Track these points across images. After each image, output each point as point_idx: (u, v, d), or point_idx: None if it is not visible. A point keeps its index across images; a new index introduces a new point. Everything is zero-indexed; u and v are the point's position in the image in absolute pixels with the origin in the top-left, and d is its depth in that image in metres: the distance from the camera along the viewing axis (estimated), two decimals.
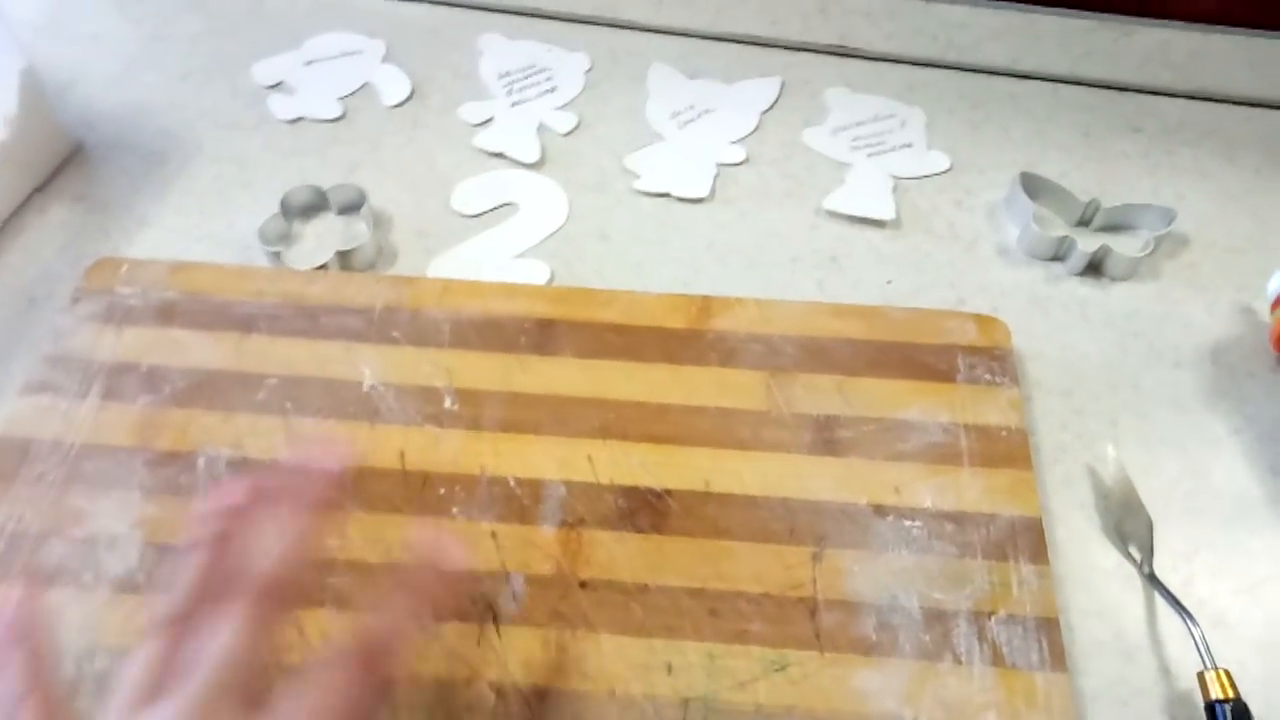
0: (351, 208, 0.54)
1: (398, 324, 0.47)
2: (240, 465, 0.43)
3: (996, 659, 0.37)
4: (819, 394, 0.44)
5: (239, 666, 0.25)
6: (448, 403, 0.44)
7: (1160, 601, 0.40)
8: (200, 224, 0.54)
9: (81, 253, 0.52)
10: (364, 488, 0.42)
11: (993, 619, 0.38)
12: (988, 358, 0.45)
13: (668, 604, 0.39)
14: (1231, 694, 0.36)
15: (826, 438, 0.43)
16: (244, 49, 0.63)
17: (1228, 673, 0.36)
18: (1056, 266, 0.51)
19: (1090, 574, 0.40)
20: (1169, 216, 0.51)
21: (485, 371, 0.45)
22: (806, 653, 0.37)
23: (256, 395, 0.45)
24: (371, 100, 0.60)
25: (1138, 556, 0.41)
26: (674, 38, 0.62)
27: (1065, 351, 0.47)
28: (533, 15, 0.64)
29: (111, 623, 0.38)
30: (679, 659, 0.37)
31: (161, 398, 0.45)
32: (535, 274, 0.51)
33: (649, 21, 0.62)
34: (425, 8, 0.65)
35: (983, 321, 0.47)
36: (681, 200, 0.54)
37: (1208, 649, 0.37)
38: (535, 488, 0.42)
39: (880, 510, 0.41)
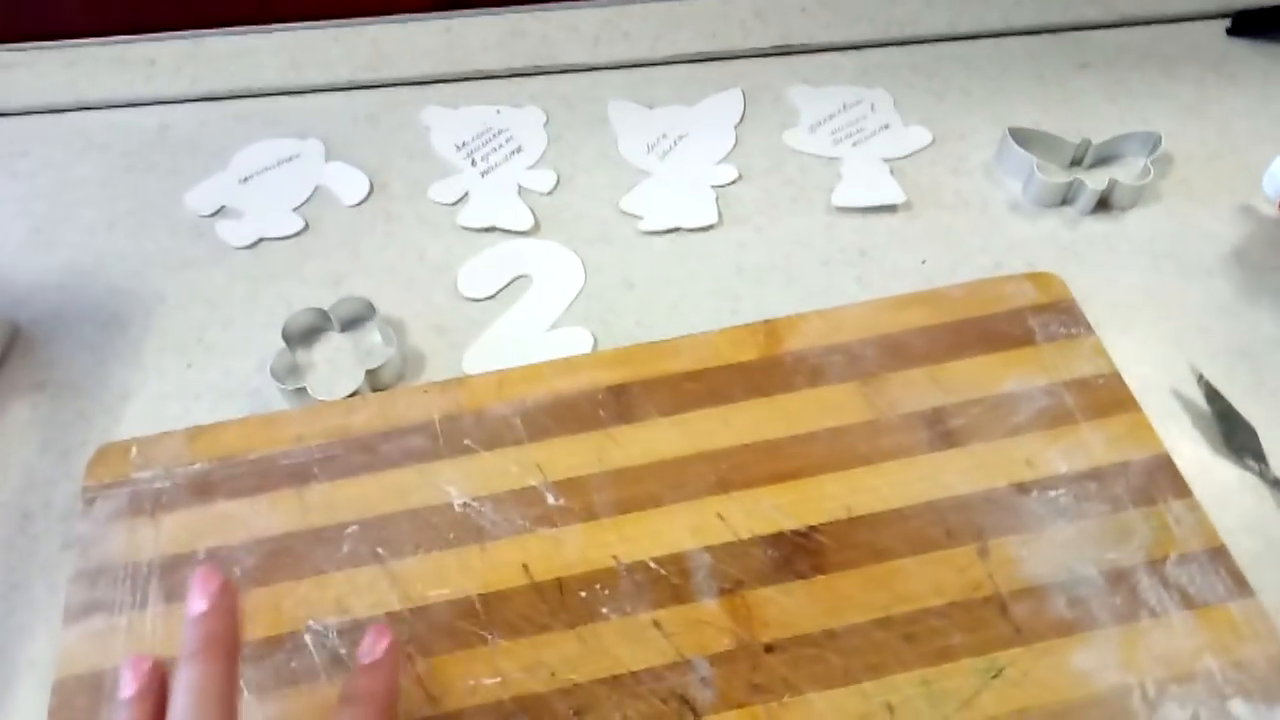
0: (355, 322, 0.50)
1: (465, 431, 0.43)
2: (352, 631, 0.38)
3: (1187, 601, 0.37)
4: (916, 389, 0.43)
5: None
6: (551, 499, 0.41)
7: None
8: (192, 379, 0.48)
9: (66, 446, 0.46)
10: (501, 614, 0.38)
11: (1168, 564, 0.38)
12: (1055, 312, 0.46)
13: (861, 642, 0.37)
14: None
15: (941, 431, 0.42)
16: (166, 181, 0.57)
17: None
18: (1067, 210, 0.52)
19: (1220, 495, 0.41)
20: (1154, 140, 0.53)
21: (577, 456, 0.42)
22: (1014, 650, 0.36)
23: (341, 549, 0.40)
24: (330, 203, 0.55)
25: (1256, 466, 0.42)
26: (620, 71, 0.60)
27: (1109, 288, 0.48)
28: (468, 79, 0.60)
29: None
30: (895, 695, 0.35)
31: (236, 581, 0.39)
32: (578, 342, 0.48)
33: (590, 61, 0.60)
34: (351, 95, 0.60)
35: (1038, 279, 0.47)
36: (693, 231, 0.52)
37: None
38: (679, 562, 0.39)
39: (1022, 488, 0.40)
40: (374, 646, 0.33)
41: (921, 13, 0.60)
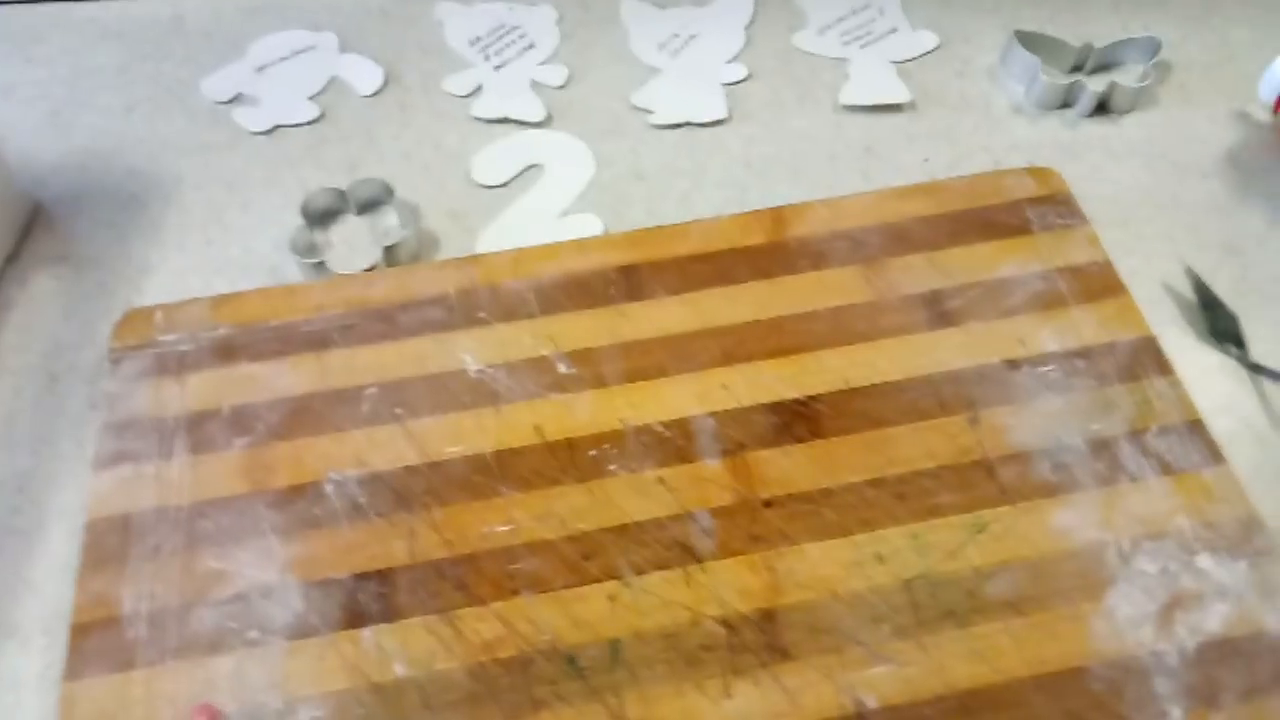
0: (371, 205, 0.50)
1: (480, 304, 0.44)
2: (371, 482, 0.39)
3: (1165, 468, 0.39)
4: (916, 273, 0.45)
5: None
6: (563, 368, 0.42)
7: (1268, 384, 0.42)
8: (212, 255, 0.49)
9: (89, 315, 0.47)
10: (514, 470, 0.39)
11: (1148, 434, 0.40)
12: (1052, 204, 0.47)
13: (855, 500, 0.38)
14: None
15: (939, 311, 0.43)
16: (182, 68, 0.57)
17: None
18: (1067, 113, 0.53)
19: (1201, 378, 0.42)
20: (1155, 46, 0.53)
21: (588, 330, 0.43)
22: (999, 509, 0.38)
23: (361, 409, 0.41)
24: (345, 94, 0.56)
25: (1236, 351, 0.43)
26: None
27: (1105, 187, 0.49)
28: None
29: (300, 672, 0.35)
30: (885, 547, 0.37)
31: (259, 436, 0.41)
32: (589, 227, 0.49)
33: None
34: None
35: (1036, 174, 0.48)
36: (702, 126, 0.53)
37: None
38: (683, 426, 0.40)
39: (1013, 364, 0.42)
40: None
41: None
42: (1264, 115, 0.51)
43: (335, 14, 0.59)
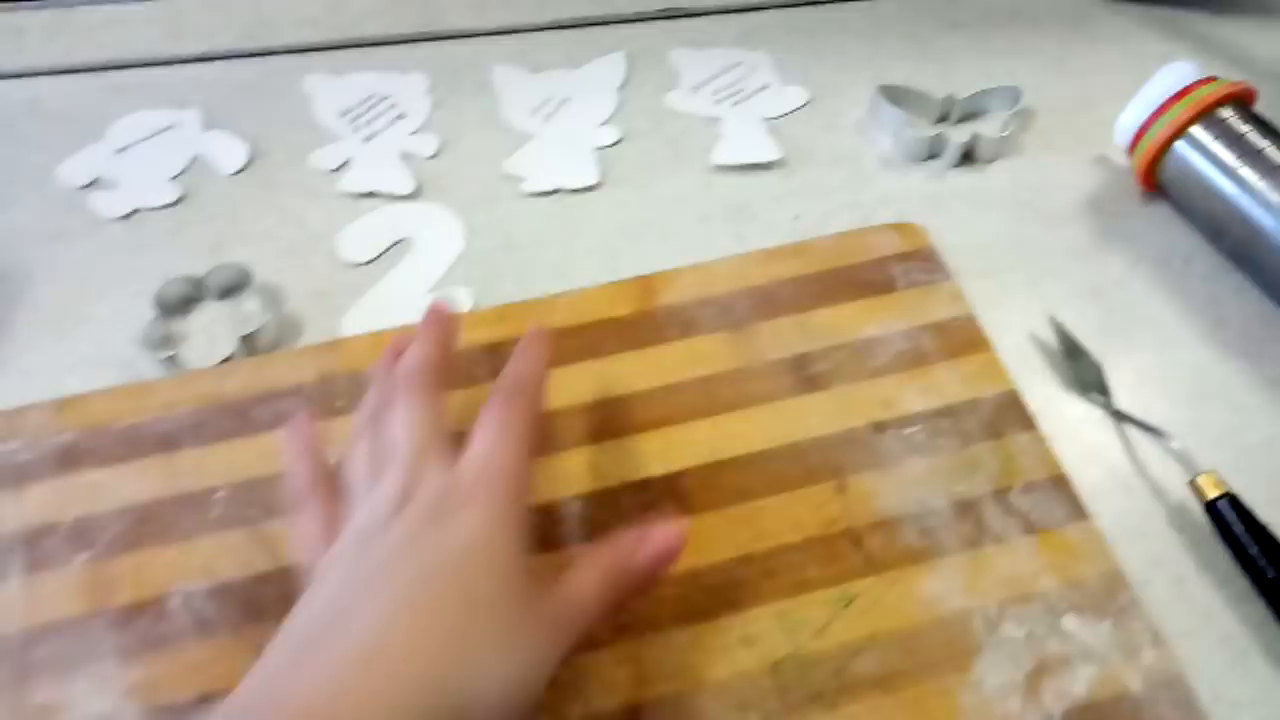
0: (232, 290, 0.49)
1: (338, 393, 0.43)
2: (221, 594, 0.37)
3: (1029, 527, 0.38)
4: (783, 337, 0.44)
5: (425, 434, 0.33)
6: None
7: (1133, 432, 0.42)
8: (64, 353, 0.46)
9: None
10: None
11: (1012, 493, 0.39)
12: (916, 260, 0.47)
13: (722, 580, 0.37)
14: (1224, 489, 0.39)
15: (806, 375, 0.43)
16: (38, 153, 0.55)
17: (1214, 472, 0.39)
18: (933, 164, 0.53)
19: (1066, 428, 0.43)
20: (1015, 94, 0.54)
21: (453, 413, 0.42)
22: (866, 580, 0.37)
23: (211, 514, 0.39)
24: (208, 173, 0.54)
25: (1100, 399, 0.43)
26: (505, 37, 0.60)
27: (970, 238, 0.50)
28: (354, 46, 0.59)
29: None
30: (753, 628, 0.36)
31: (101, 549, 0.39)
32: (458, 303, 0.48)
33: (476, 27, 0.60)
34: (231, 64, 0.59)
35: (901, 229, 0.48)
36: (574, 192, 0.52)
37: (1188, 458, 0.40)
38: (549, 511, 0.39)
39: (879, 427, 0.41)
40: (526, 338, 0.38)
41: None
42: (1123, 160, 0.52)
43: (200, 90, 0.58)
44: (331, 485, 0.34)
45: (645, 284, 0.46)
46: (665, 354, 0.44)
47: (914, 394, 0.42)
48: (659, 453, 0.41)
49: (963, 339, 0.44)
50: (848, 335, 0.44)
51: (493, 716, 0.27)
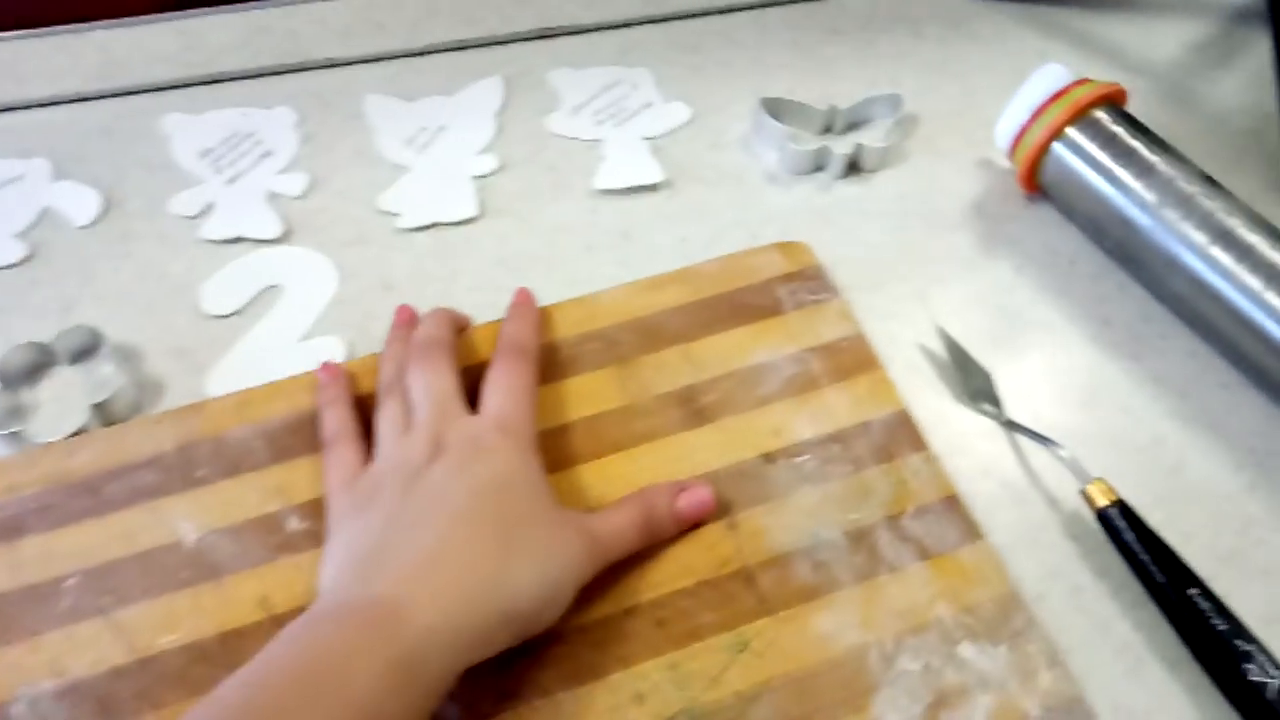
0: (85, 354, 0.45)
1: (200, 460, 0.40)
2: (70, 693, 0.34)
3: (923, 553, 0.37)
4: (669, 370, 0.43)
5: (447, 394, 0.38)
6: (293, 524, 0.38)
7: (1025, 441, 0.42)
8: None
9: None
10: (240, 654, 0.35)
11: (905, 518, 0.38)
12: (802, 280, 0.46)
13: (611, 634, 0.36)
14: (1114, 497, 0.38)
15: (694, 409, 0.41)
16: None
17: (1103, 480, 0.39)
18: (820, 176, 0.52)
19: (960, 441, 0.42)
20: (897, 102, 0.53)
21: (320, 476, 0.39)
22: (760, 622, 0.36)
23: (60, 605, 0.36)
24: (58, 226, 0.50)
25: (991, 409, 0.43)
26: (377, 64, 0.57)
27: (858, 249, 0.49)
28: (214, 82, 0.56)
29: None
30: (644, 683, 0.35)
31: None
32: (331, 352, 0.45)
33: (344, 55, 0.57)
34: (81, 107, 0.55)
35: (786, 249, 0.47)
36: (452, 225, 0.50)
37: (1079, 466, 0.40)
38: None
39: (769, 458, 0.40)
40: (515, 301, 0.44)
41: None
42: (1004, 161, 0.52)
43: (49, 136, 0.54)
44: (356, 429, 0.39)
45: None
46: (549, 396, 0.42)
47: (804, 420, 0.41)
48: None
49: (852, 360, 0.43)
50: (735, 363, 0.43)
51: (533, 608, 0.33)
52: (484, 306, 0.47)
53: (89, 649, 0.35)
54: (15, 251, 0.49)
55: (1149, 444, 0.42)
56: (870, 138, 0.53)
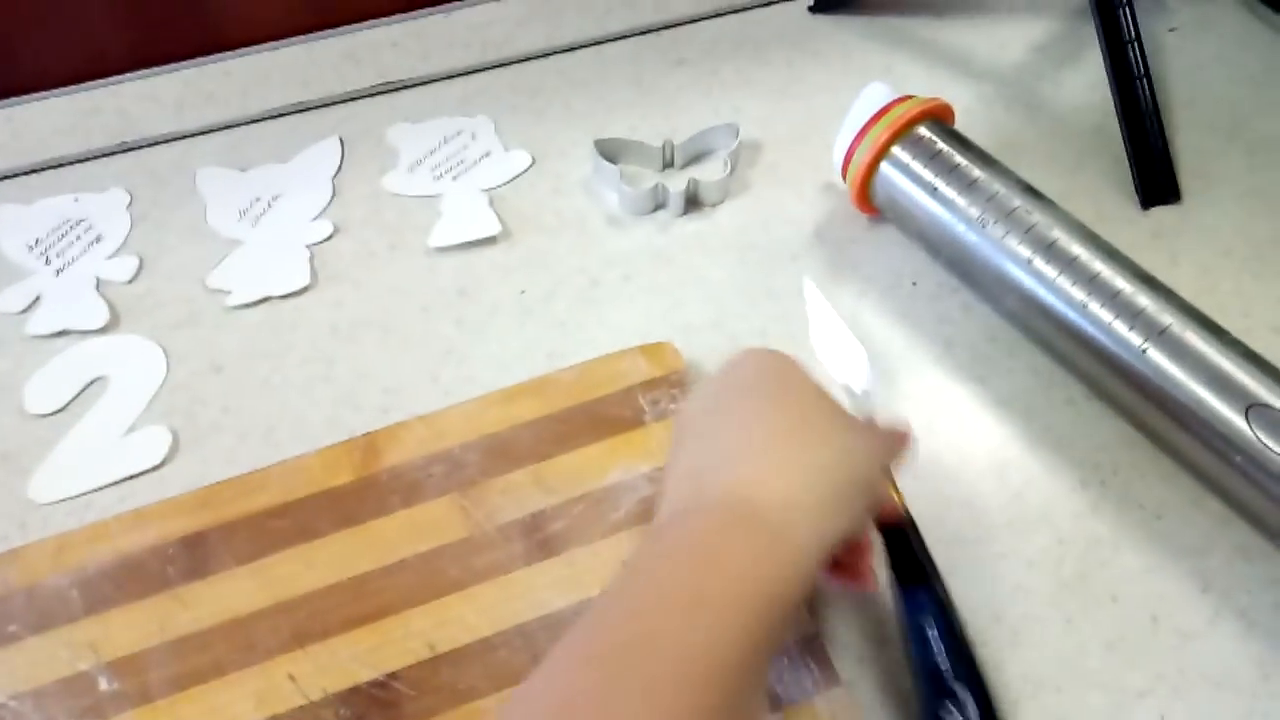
0: None
1: (12, 615, 0.36)
2: None
3: (774, 704, 0.33)
4: (517, 494, 0.39)
5: None
6: (104, 684, 0.35)
7: None
8: None
9: None
10: None
11: None
12: (666, 386, 0.41)
13: None
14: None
15: (539, 540, 0.37)
16: None
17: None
18: (661, 215, 0.49)
19: None
20: (734, 131, 0.51)
21: (137, 627, 0.36)
22: None
23: None
24: None
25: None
26: (210, 136, 0.54)
27: (700, 289, 0.46)
28: (44, 169, 0.53)
29: None
30: None
31: None
32: (154, 443, 0.42)
33: (177, 129, 0.54)
34: None
35: (649, 351, 0.42)
36: (284, 297, 0.47)
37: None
38: None
39: None
40: None
41: (516, 33, 0.57)
42: (842, 184, 0.49)
43: None
44: None
45: (369, 443, 0.40)
46: (386, 527, 0.38)
47: None
48: (369, 653, 0.35)
49: None
50: (589, 484, 0.39)
51: (872, 471, 0.32)
52: (315, 380, 0.44)
53: None
54: None
55: (993, 468, 0.40)
56: (708, 171, 0.50)
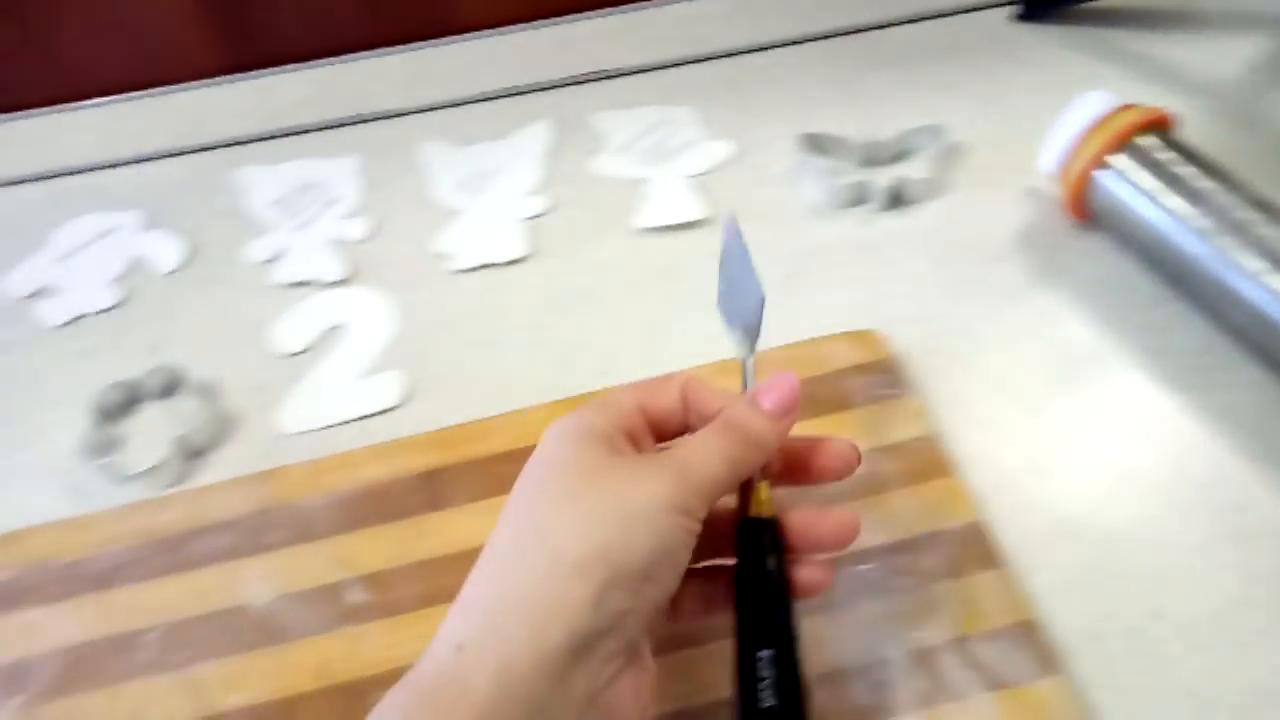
0: (169, 391, 0.47)
1: (273, 526, 0.40)
2: None
3: (990, 682, 0.33)
4: None
5: None
6: (355, 596, 0.37)
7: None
8: (9, 464, 0.44)
9: None
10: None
11: (973, 641, 0.34)
12: (875, 373, 0.41)
13: None
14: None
15: None
16: None
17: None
18: (863, 209, 0.50)
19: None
20: (940, 133, 0.51)
21: (384, 548, 0.38)
22: None
23: (139, 657, 0.36)
24: (147, 274, 0.52)
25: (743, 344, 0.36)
26: (434, 113, 0.58)
27: (904, 284, 0.47)
28: (285, 135, 0.58)
29: None
30: None
31: (32, 695, 0.36)
32: (389, 386, 0.45)
33: (404, 106, 0.58)
34: (169, 163, 0.57)
35: (858, 338, 0.43)
36: (503, 265, 0.50)
37: None
38: None
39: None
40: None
41: (723, 29, 0.58)
42: (1052, 190, 0.49)
43: (140, 190, 0.56)
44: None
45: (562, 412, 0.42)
46: None
47: (870, 526, 0.37)
48: None
49: (924, 462, 0.39)
50: None
51: (627, 559, 0.25)
52: (533, 343, 0.47)
53: (163, 703, 0.35)
54: (110, 297, 0.51)
55: (1210, 481, 0.39)
56: (913, 170, 0.51)
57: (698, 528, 0.27)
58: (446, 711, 0.22)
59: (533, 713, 0.23)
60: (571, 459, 0.28)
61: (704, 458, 0.28)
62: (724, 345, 0.44)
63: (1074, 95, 0.46)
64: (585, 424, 0.28)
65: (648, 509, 0.26)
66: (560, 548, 0.25)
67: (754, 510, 0.30)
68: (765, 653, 0.28)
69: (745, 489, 0.30)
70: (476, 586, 0.26)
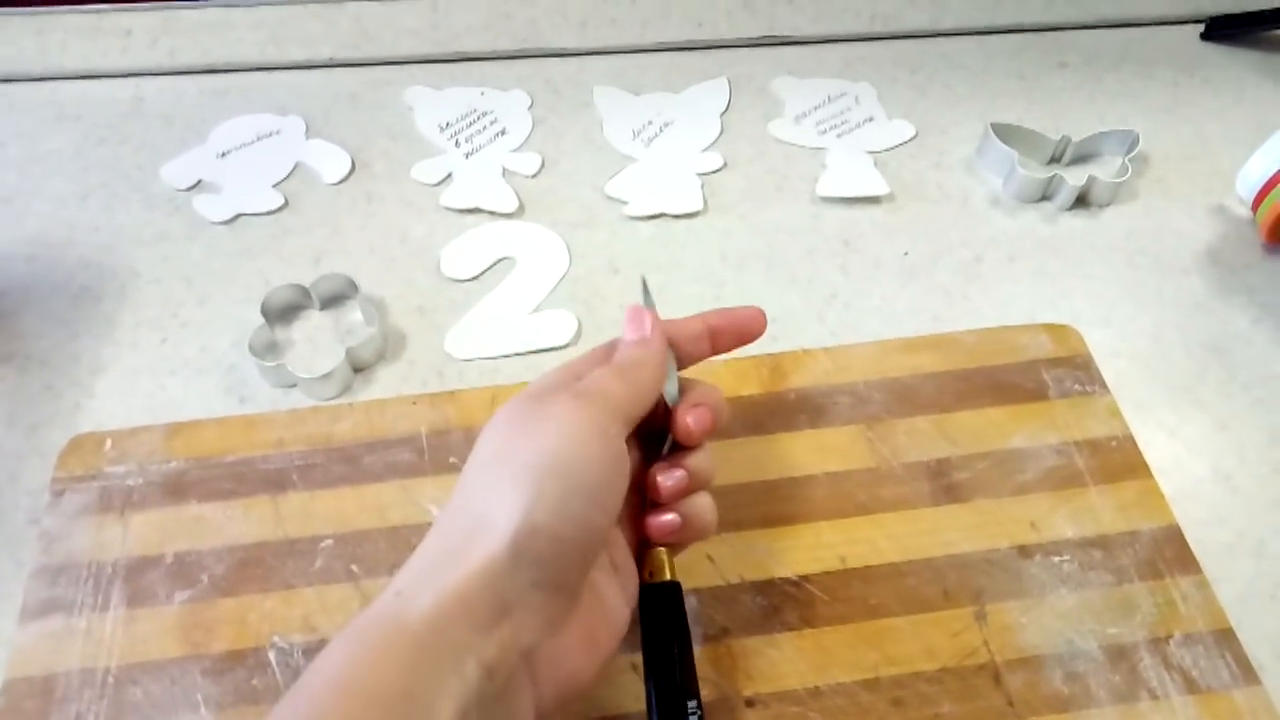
0: (336, 300, 0.42)
1: (452, 448, 0.35)
2: (318, 649, 0.30)
3: (1190, 685, 0.30)
4: (921, 438, 0.36)
5: None
6: None
7: None
8: (167, 354, 0.40)
9: (34, 420, 0.38)
10: None
11: (1171, 643, 0.31)
12: (1071, 367, 0.38)
13: (846, 703, 0.30)
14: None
15: (945, 484, 0.35)
16: (140, 154, 0.47)
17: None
18: (1046, 205, 0.45)
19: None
20: (1132, 139, 0.46)
21: None
22: None
23: (315, 563, 0.33)
24: (310, 181, 0.47)
25: None
26: (606, 57, 0.52)
27: (1088, 284, 0.42)
28: (453, 61, 0.52)
29: None
30: None
31: (202, 589, 0.32)
32: (562, 325, 0.41)
33: (577, 46, 0.52)
34: (332, 73, 0.51)
35: (1053, 331, 0.39)
36: (677, 217, 0.45)
37: None
38: None
39: (1025, 551, 0.33)
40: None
41: (905, 9, 0.52)
42: (1242, 210, 0.44)
43: (302, 98, 0.50)
44: None
45: (775, 364, 0.38)
46: (794, 442, 0.36)
47: (1064, 518, 0.34)
48: (783, 552, 0.33)
49: (1120, 462, 0.35)
50: (993, 443, 0.36)
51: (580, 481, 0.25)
52: (706, 298, 0.42)
53: (338, 611, 0.31)
54: (272, 200, 0.45)
55: None
56: (1103, 172, 0.46)
57: (617, 447, 0.25)
58: (384, 646, 0.22)
59: (458, 650, 0.22)
60: (500, 427, 0.26)
61: (605, 385, 0.27)
62: (900, 327, 0.40)
63: (1262, 120, 0.42)
64: (515, 399, 0.27)
65: (566, 429, 0.25)
66: (485, 501, 0.25)
67: (657, 576, 0.28)
68: (673, 700, 0.26)
69: (644, 559, 0.28)
70: (420, 546, 0.25)
